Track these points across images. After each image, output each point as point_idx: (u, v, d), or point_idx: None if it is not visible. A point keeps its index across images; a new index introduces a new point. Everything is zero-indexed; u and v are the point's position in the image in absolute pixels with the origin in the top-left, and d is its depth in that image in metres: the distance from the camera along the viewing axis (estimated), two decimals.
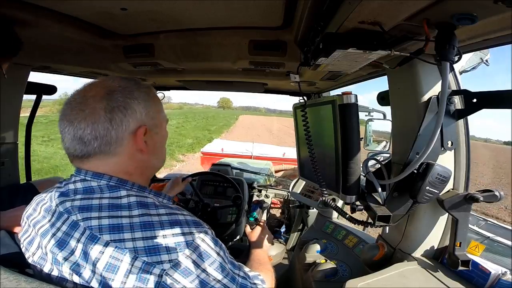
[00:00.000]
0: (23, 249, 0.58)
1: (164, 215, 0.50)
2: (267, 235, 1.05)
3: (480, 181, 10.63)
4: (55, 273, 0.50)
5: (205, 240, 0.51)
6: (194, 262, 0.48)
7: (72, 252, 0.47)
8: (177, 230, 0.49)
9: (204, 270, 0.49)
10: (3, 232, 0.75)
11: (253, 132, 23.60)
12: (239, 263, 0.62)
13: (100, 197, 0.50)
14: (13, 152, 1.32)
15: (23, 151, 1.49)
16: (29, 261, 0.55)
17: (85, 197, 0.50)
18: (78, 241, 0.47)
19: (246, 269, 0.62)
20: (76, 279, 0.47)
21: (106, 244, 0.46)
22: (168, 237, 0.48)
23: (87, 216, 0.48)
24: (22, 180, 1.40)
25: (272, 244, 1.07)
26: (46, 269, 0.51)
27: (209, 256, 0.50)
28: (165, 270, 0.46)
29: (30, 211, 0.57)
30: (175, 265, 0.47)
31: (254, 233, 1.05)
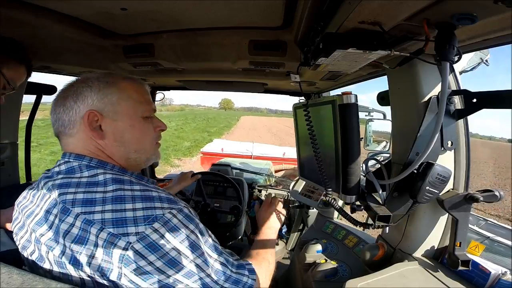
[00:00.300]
0: (14, 236, 0.59)
1: (137, 191, 0.50)
2: (275, 213, 0.96)
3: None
4: (35, 254, 0.51)
5: (176, 216, 0.49)
6: (162, 236, 0.46)
7: (49, 228, 0.49)
8: (148, 204, 0.49)
9: (174, 247, 0.47)
10: (1, 231, 0.75)
11: (254, 133, 23.00)
12: (230, 250, 0.61)
13: (80, 176, 0.53)
14: (13, 152, 1.32)
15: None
16: (19, 247, 0.56)
17: (65, 176, 0.54)
18: (55, 216, 0.49)
19: (234, 257, 0.60)
20: (51, 256, 0.48)
21: (76, 216, 0.47)
22: (138, 210, 0.47)
23: (63, 192, 0.50)
24: (22, 180, 1.40)
25: (283, 223, 0.97)
26: (29, 251, 0.52)
27: (180, 232, 0.48)
28: (131, 243, 0.45)
29: (20, 199, 0.60)
30: (142, 238, 0.45)
31: (260, 212, 0.98)
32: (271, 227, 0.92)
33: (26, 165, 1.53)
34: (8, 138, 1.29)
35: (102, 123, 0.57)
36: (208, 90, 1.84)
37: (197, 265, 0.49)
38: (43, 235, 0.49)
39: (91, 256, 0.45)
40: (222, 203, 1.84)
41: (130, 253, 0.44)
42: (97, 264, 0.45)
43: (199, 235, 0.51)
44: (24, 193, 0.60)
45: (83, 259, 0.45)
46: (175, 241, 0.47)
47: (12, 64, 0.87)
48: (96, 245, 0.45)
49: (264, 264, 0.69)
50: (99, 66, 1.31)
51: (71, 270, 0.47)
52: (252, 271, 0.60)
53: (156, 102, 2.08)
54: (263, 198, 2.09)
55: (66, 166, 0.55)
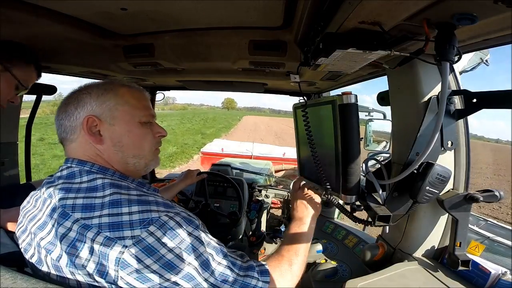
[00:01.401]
0: (17, 240, 0.59)
1: (134, 195, 0.51)
2: (303, 200, 0.83)
3: None
4: (35, 257, 0.52)
5: (174, 218, 0.49)
6: (158, 240, 0.46)
7: (49, 232, 0.49)
8: (144, 207, 0.49)
9: (170, 250, 0.46)
10: (2, 232, 0.75)
11: (255, 135, 20.76)
12: (241, 252, 0.59)
13: (80, 181, 0.54)
14: (13, 152, 1.32)
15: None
16: (21, 249, 0.57)
17: (66, 182, 0.54)
18: (54, 220, 0.49)
19: (244, 258, 0.58)
20: (49, 260, 0.49)
21: (75, 221, 0.47)
22: (134, 214, 0.47)
23: (64, 197, 0.51)
24: (22, 180, 1.41)
25: (318, 212, 0.82)
26: (29, 254, 0.53)
27: (177, 235, 0.48)
28: (127, 246, 0.45)
29: (25, 203, 0.61)
30: (138, 242, 0.45)
31: (294, 205, 0.84)
32: (298, 218, 0.79)
33: (26, 165, 1.53)
34: (8, 138, 1.29)
35: (100, 128, 0.58)
36: (208, 90, 1.84)
37: (196, 268, 0.48)
38: (43, 238, 0.50)
39: (87, 260, 0.45)
40: (222, 203, 1.84)
41: (126, 256, 0.44)
42: (93, 268, 0.45)
43: (199, 238, 0.51)
44: (28, 198, 0.61)
45: (79, 262, 0.46)
46: (172, 244, 0.47)
47: (21, 65, 0.91)
48: (92, 249, 0.45)
49: (284, 264, 0.63)
50: (99, 66, 1.31)
51: (67, 274, 0.47)
52: (264, 273, 0.57)
53: (158, 102, 2.09)
54: (263, 198, 2.10)
55: (68, 171, 0.56)
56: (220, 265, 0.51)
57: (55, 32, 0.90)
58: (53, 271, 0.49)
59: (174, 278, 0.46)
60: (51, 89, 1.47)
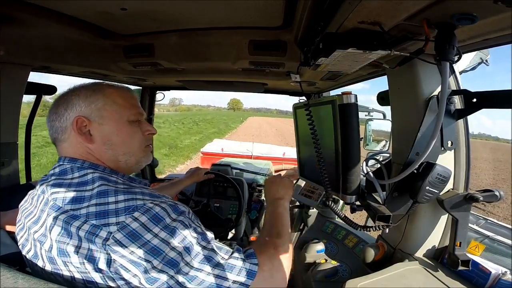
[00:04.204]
0: (16, 236, 0.61)
1: (121, 187, 0.53)
2: (281, 184, 0.84)
3: None
4: (32, 252, 0.53)
5: (160, 205, 0.50)
6: (143, 225, 0.47)
7: (42, 225, 0.51)
8: (130, 196, 0.50)
9: (156, 235, 0.47)
10: (3, 232, 0.75)
11: (257, 140, 12.39)
12: (230, 242, 0.60)
13: (71, 177, 0.56)
14: (13, 152, 1.32)
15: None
16: (20, 246, 0.58)
17: (58, 178, 0.56)
18: (46, 213, 0.51)
19: (231, 246, 0.57)
20: (43, 252, 0.50)
21: (64, 212, 0.49)
22: (120, 202, 0.49)
23: (55, 191, 0.53)
24: (22, 180, 1.40)
25: (287, 193, 0.82)
26: (26, 249, 0.55)
27: (162, 219, 0.49)
28: (111, 233, 0.46)
29: (22, 202, 0.63)
30: (122, 227, 0.46)
31: (266, 188, 0.86)
32: (272, 201, 0.80)
33: (26, 165, 1.53)
34: (8, 138, 1.29)
35: (90, 128, 0.60)
36: (208, 90, 1.84)
37: (180, 253, 0.48)
38: (37, 232, 0.52)
39: (77, 247, 0.47)
40: (222, 203, 1.84)
41: (111, 242, 0.46)
42: (84, 254, 0.47)
43: (183, 222, 0.51)
44: (26, 197, 0.63)
45: (69, 250, 0.47)
46: (156, 229, 0.48)
47: None
48: (79, 237, 0.47)
49: (269, 249, 0.61)
50: (99, 66, 1.31)
51: (61, 265, 0.49)
52: (251, 255, 0.56)
53: (158, 102, 2.09)
54: (263, 198, 2.10)
55: (60, 168, 0.58)
56: (205, 249, 0.51)
57: (55, 32, 0.90)
58: (47, 264, 0.50)
59: (158, 263, 0.47)
60: (51, 89, 1.47)
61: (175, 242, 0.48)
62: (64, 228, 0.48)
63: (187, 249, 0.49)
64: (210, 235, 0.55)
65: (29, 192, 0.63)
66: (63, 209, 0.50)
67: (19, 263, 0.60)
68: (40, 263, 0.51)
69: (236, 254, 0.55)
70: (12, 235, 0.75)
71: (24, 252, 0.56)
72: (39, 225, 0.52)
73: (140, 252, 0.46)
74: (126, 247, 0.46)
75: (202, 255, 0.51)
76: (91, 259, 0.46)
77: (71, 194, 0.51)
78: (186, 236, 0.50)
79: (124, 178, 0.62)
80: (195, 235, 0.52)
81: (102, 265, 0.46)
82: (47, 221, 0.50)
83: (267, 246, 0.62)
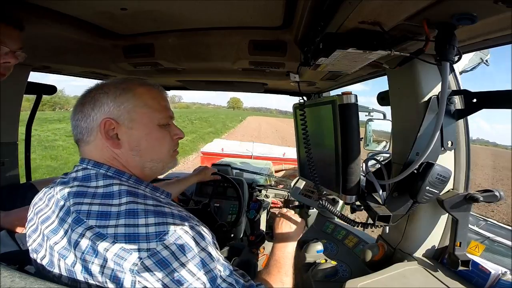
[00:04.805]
0: (27, 237, 0.59)
1: (150, 206, 0.50)
2: (291, 226, 0.88)
3: None
4: (46, 259, 0.51)
5: (188, 233, 0.49)
6: (173, 253, 0.46)
7: (62, 237, 0.49)
8: (161, 219, 0.48)
9: (183, 264, 0.47)
10: (3, 232, 0.75)
11: (256, 141, 10.18)
12: (242, 271, 0.59)
13: (96, 185, 0.53)
14: (13, 152, 1.32)
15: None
16: (30, 249, 0.56)
17: (81, 185, 0.53)
18: (68, 225, 0.49)
19: (245, 278, 0.58)
20: (62, 264, 0.49)
21: (89, 228, 0.47)
22: (150, 226, 0.47)
23: (79, 201, 0.50)
24: (22, 180, 1.40)
25: (299, 235, 0.87)
26: (40, 256, 0.53)
27: (191, 249, 0.48)
28: (141, 258, 0.45)
29: (36, 200, 0.59)
30: (153, 254, 0.45)
31: (278, 224, 0.88)
32: (283, 238, 0.85)
33: (26, 165, 1.53)
34: (8, 138, 1.29)
35: (118, 131, 0.57)
36: (208, 90, 1.84)
37: (204, 283, 0.48)
38: (57, 243, 0.49)
39: (102, 267, 0.45)
40: (222, 203, 1.84)
41: (139, 268, 0.45)
42: (108, 275, 0.45)
43: (210, 254, 0.51)
44: (40, 194, 0.60)
45: (94, 270, 0.46)
46: (184, 258, 0.47)
47: None
48: (106, 259, 0.45)
49: (277, 284, 0.67)
50: (99, 66, 1.31)
51: (81, 278, 0.47)
52: None
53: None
54: (263, 198, 2.10)
55: (83, 173, 0.55)
56: (224, 282, 0.51)
57: (55, 32, 0.90)
58: (65, 274, 0.49)
59: None
60: (51, 89, 1.47)
61: (201, 273, 0.48)
62: (91, 246, 0.46)
63: (211, 281, 0.49)
64: (229, 266, 0.55)
65: (44, 191, 0.59)
66: (88, 224, 0.47)
67: (18, 261, 0.60)
68: (56, 271, 0.50)
69: None
70: (12, 234, 0.75)
71: (35, 257, 0.54)
72: (59, 236, 0.49)
73: (166, 280, 0.45)
74: (154, 274, 0.45)
75: None
76: (115, 279, 0.45)
77: (96, 208, 0.49)
78: (211, 269, 0.50)
79: (149, 187, 0.59)
80: (219, 267, 0.52)
81: (126, 285, 0.45)
82: (71, 236, 0.48)
83: (276, 283, 0.67)
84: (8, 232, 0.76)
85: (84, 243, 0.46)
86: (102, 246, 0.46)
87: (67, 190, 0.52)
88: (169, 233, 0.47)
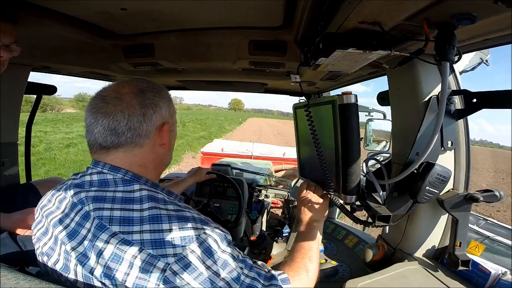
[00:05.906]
0: (34, 240, 0.58)
1: (172, 211, 0.51)
2: (308, 203, 0.80)
3: None
4: (60, 264, 0.51)
5: (211, 236, 0.50)
6: (199, 258, 0.48)
7: (81, 242, 0.48)
8: (184, 224, 0.49)
9: (208, 267, 0.48)
10: (4, 234, 0.75)
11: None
12: (262, 262, 0.60)
13: (114, 190, 0.52)
14: (13, 152, 1.32)
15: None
16: (38, 251, 0.55)
17: (99, 189, 0.52)
18: (88, 231, 0.48)
19: (265, 268, 0.59)
20: (79, 270, 0.48)
21: (114, 235, 0.47)
22: (174, 231, 0.48)
23: (99, 207, 0.50)
24: (22, 180, 1.41)
25: (323, 215, 0.79)
26: (52, 260, 0.52)
27: (215, 252, 0.50)
28: (169, 264, 0.46)
29: (45, 202, 0.59)
30: (180, 259, 0.46)
31: (301, 207, 0.81)
32: (307, 222, 0.78)
33: (26, 165, 1.53)
34: (8, 138, 1.30)
35: (170, 134, 0.61)
36: (208, 90, 1.84)
37: (228, 283, 0.49)
38: (74, 249, 0.49)
39: (127, 274, 0.45)
40: (222, 203, 1.84)
41: (168, 274, 0.45)
42: (132, 282, 0.45)
43: (232, 254, 0.52)
44: (48, 196, 0.59)
45: (119, 275, 0.45)
46: (210, 261, 0.48)
47: None
48: (132, 265, 0.45)
49: (302, 272, 0.64)
50: (99, 66, 1.31)
51: (98, 284, 0.47)
52: (286, 281, 0.58)
53: None
54: (263, 198, 2.10)
55: (100, 177, 0.54)
56: (247, 277, 0.53)
57: (55, 32, 0.90)
58: (81, 280, 0.48)
59: None
60: (51, 89, 1.47)
61: (225, 273, 0.49)
62: (116, 253, 0.46)
63: (235, 279, 0.50)
64: (249, 260, 0.56)
65: (52, 193, 0.58)
66: (111, 230, 0.47)
67: (19, 262, 0.60)
68: (71, 277, 0.49)
69: (274, 281, 0.56)
70: (13, 236, 0.75)
71: (46, 261, 0.53)
72: (76, 241, 0.49)
73: (194, 283, 0.46)
74: (182, 278, 0.46)
75: (247, 284, 0.52)
76: (138, 286, 0.45)
77: (118, 213, 0.49)
78: (234, 268, 0.51)
79: (164, 191, 0.59)
80: (241, 265, 0.53)
81: None
82: (95, 243, 0.47)
83: (300, 269, 0.65)
84: (9, 234, 0.76)
85: (109, 250, 0.46)
86: (129, 253, 0.46)
87: (83, 194, 0.52)
88: (193, 237, 0.48)
